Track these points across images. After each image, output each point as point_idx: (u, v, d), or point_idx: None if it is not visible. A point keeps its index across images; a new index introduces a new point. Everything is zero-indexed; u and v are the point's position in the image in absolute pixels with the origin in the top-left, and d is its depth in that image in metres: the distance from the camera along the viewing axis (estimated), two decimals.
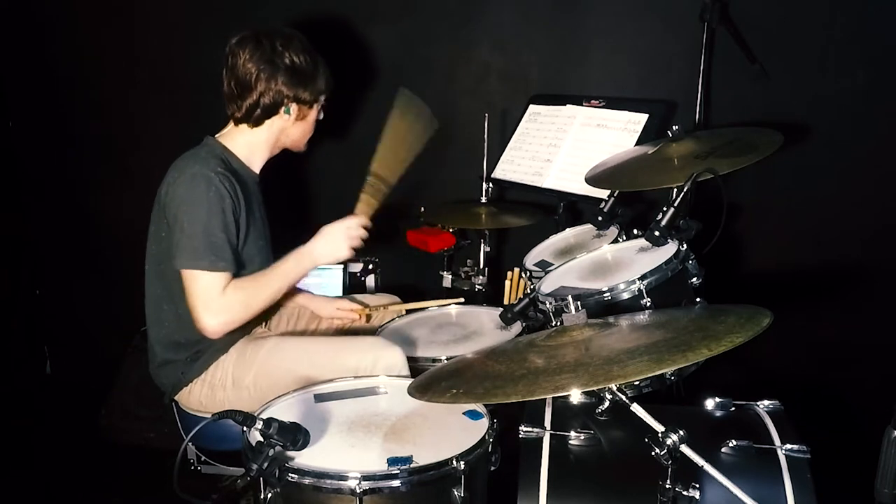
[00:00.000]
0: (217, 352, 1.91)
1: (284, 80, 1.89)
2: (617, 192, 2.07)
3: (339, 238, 1.94)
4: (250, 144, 1.96)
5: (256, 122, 1.93)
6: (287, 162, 2.09)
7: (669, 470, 1.18)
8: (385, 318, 2.26)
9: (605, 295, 1.59)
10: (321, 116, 2.05)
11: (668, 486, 1.20)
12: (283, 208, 2.17)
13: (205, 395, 1.92)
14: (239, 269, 1.85)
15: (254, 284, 1.86)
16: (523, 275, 2.20)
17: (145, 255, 1.92)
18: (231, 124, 1.97)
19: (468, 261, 2.67)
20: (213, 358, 1.91)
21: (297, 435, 1.33)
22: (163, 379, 1.96)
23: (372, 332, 2.16)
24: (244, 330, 1.96)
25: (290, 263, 1.91)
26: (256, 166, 2.00)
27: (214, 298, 1.76)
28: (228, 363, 1.91)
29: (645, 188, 2.11)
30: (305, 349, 1.90)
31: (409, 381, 1.55)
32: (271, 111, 1.92)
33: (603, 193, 2.10)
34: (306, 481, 1.34)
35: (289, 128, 1.97)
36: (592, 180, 2.04)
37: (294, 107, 1.93)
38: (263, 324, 2.12)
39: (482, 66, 2.75)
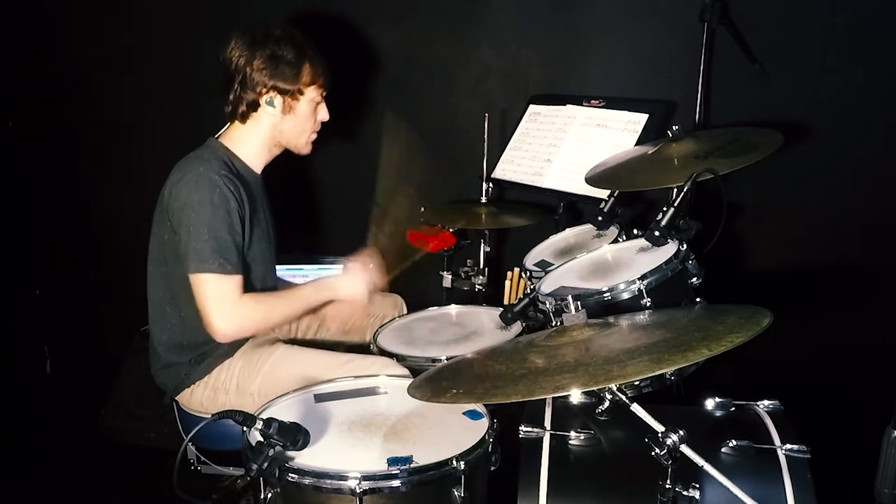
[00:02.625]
0: (222, 355, 1.91)
1: (262, 68, 1.86)
2: (617, 192, 2.07)
3: (361, 283, 2.03)
4: (249, 144, 1.95)
5: (243, 117, 1.92)
6: (290, 163, 2.08)
7: (669, 470, 1.18)
8: (385, 318, 2.26)
9: (605, 295, 1.59)
10: (325, 117, 2.01)
11: (668, 486, 1.20)
12: (285, 210, 2.17)
13: (207, 397, 1.92)
14: (244, 271, 1.84)
15: (274, 301, 1.88)
16: (523, 275, 2.20)
17: (147, 256, 1.92)
18: (229, 125, 1.97)
19: (468, 261, 2.66)
20: (218, 361, 1.91)
21: (297, 435, 1.33)
22: (164, 379, 1.96)
23: (367, 346, 2.16)
24: None
25: (309, 289, 1.96)
26: (258, 167, 1.99)
27: (227, 303, 1.76)
28: (234, 368, 1.91)
29: (645, 188, 2.10)
30: (314, 363, 1.89)
31: (409, 381, 1.55)
32: (254, 103, 1.90)
33: (603, 193, 2.10)
34: (306, 481, 1.34)
35: (279, 123, 1.94)
36: (592, 180, 2.04)
37: (278, 98, 1.90)
38: None
39: (482, 66, 2.75)
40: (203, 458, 2.11)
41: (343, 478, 1.32)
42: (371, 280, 2.05)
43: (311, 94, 1.94)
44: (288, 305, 1.91)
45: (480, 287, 2.60)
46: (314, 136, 2.03)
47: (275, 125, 1.94)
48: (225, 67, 1.89)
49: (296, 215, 2.26)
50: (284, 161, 2.06)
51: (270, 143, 1.97)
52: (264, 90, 1.88)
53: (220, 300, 1.76)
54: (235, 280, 1.78)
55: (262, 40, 1.87)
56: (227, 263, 1.76)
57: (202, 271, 1.75)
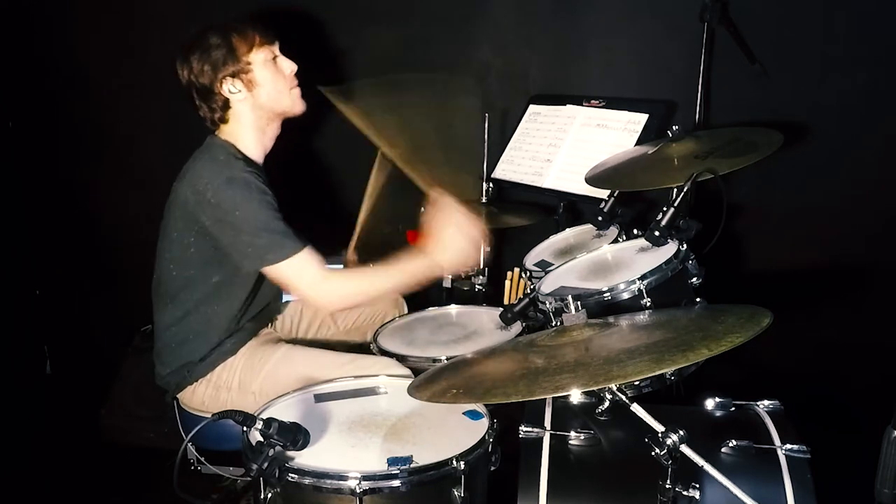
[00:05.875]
0: (225, 354, 1.91)
1: (202, 68, 1.86)
2: (617, 192, 2.07)
3: (464, 248, 1.88)
4: (244, 136, 1.94)
5: (223, 119, 1.92)
6: (288, 162, 2.08)
7: (669, 470, 1.18)
8: (386, 318, 2.26)
9: (605, 295, 1.59)
10: (290, 67, 1.96)
11: (668, 486, 1.20)
12: (285, 209, 2.17)
13: (208, 395, 1.92)
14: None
15: (374, 275, 1.87)
16: (523, 275, 2.20)
17: (157, 259, 1.92)
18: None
19: None
20: (221, 359, 1.91)
21: (297, 435, 1.33)
22: (169, 378, 1.96)
23: (367, 346, 2.15)
24: (252, 332, 1.98)
25: (418, 266, 1.86)
26: (260, 158, 1.99)
27: (317, 276, 1.79)
28: (236, 366, 1.91)
29: (645, 188, 2.10)
30: (316, 364, 1.89)
31: (409, 381, 1.55)
32: (224, 103, 1.90)
33: (603, 193, 2.10)
34: (306, 481, 1.34)
35: (253, 100, 1.91)
36: (593, 180, 2.04)
37: (236, 82, 1.88)
38: (269, 324, 2.13)
39: (482, 66, 2.74)
40: (203, 459, 2.11)
41: (343, 478, 1.32)
42: (474, 239, 1.90)
43: (259, 56, 1.90)
44: (393, 277, 1.85)
45: (480, 287, 2.60)
46: (296, 90, 1.98)
47: (253, 105, 1.92)
48: (183, 89, 1.91)
49: (295, 215, 2.25)
50: (283, 160, 2.06)
51: (262, 123, 1.95)
52: (218, 84, 1.88)
53: (310, 276, 1.79)
54: (308, 252, 1.79)
55: (191, 46, 1.88)
56: (293, 242, 1.77)
57: (281, 260, 1.77)
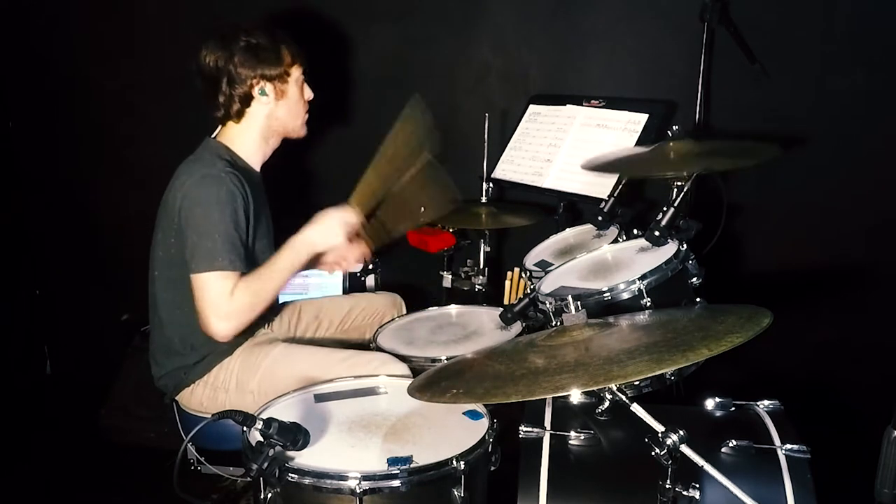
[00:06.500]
0: (221, 354, 1.91)
1: (244, 61, 1.86)
2: (617, 192, 2.07)
3: (333, 224, 1.91)
4: (246, 141, 1.94)
5: (239, 115, 1.91)
6: (287, 161, 2.08)
7: (669, 470, 1.18)
8: (385, 318, 2.26)
9: (605, 295, 1.59)
10: (310, 95, 2.01)
11: (668, 486, 1.20)
12: (282, 209, 2.17)
13: (206, 396, 1.91)
14: (250, 267, 1.83)
15: (257, 283, 1.82)
16: (523, 275, 2.20)
17: (150, 260, 1.91)
18: (222, 126, 1.96)
19: (468, 261, 2.67)
20: (217, 360, 1.91)
21: (297, 435, 1.33)
22: (166, 381, 1.95)
23: (367, 345, 2.14)
24: (248, 332, 1.96)
25: (286, 256, 1.87)
26: (257, 164, 1.99)
27: (225, 302, 1.75)
28: (233, 366, 1.91)
29: (644, 175, 2.06)
30: (313, 360, 1.89)
31: (409, 381, 1.55)
32: (247, 98, 1.90)
33: (603, 193, 2.10)
34: (306, 481, 1.34)
35: (274, 110, 1.93)
36: (591, 167, 2.03)
37: (268, 86, 1.90)
38: (266, 325, 2.12)
39: (482, 66, 2.75)
40: (203, 459, 2.11)
41: (343, 478, 1.32)
42: (345, 220, 1.93)
43: (296, 73, 1.94)
44: (273, 279, 1.84)
45: (480, 287, 2.61)
46: (306, 115, 2.02)
47: (270, 114, 1.94)
48: (205, 73, 1.89)
49: (294, 215, 2.25)
50: (281, 160, 2.06)
51: (268, 134, 1.97)
52: (253, 81, 1.88)
53: (219, 300, 1.74)
54: (235, 277, 1.77)
55: (233, 36, 1.87)
56: (236, 260, 1.76)
57: (208, 270, 1.74)
